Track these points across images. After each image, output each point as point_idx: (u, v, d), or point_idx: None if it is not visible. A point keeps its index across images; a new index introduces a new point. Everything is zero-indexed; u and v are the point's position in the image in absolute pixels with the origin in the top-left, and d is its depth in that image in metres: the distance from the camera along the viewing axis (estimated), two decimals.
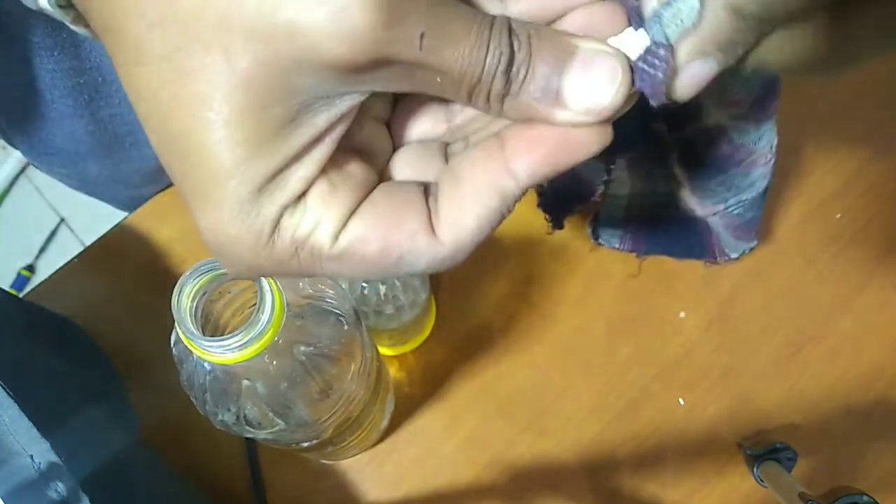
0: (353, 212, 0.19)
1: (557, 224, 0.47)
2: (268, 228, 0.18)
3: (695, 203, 0.46)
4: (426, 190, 0.20)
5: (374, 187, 0.20)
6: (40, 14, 0.37)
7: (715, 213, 0.46)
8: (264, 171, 0.17)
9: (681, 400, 0.48)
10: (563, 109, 0.18)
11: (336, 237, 0.18)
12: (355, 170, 0.19)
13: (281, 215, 0.18)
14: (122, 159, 0.50)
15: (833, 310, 0.51)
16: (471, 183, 0.19)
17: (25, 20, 0.37)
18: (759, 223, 0.47)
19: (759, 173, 0.43)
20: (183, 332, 0.23)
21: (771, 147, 0.42)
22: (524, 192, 0.19)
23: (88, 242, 0.53)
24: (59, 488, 0.32)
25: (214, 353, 0.23)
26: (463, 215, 0.19)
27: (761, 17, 0.17)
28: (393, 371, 0.49)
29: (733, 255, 0.48)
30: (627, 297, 0.51)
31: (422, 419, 0.48)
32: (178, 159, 0.18)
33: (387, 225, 0.19)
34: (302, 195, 0.18)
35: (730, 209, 0.45)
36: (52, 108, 0.44)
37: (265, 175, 0.17)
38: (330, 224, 0.18)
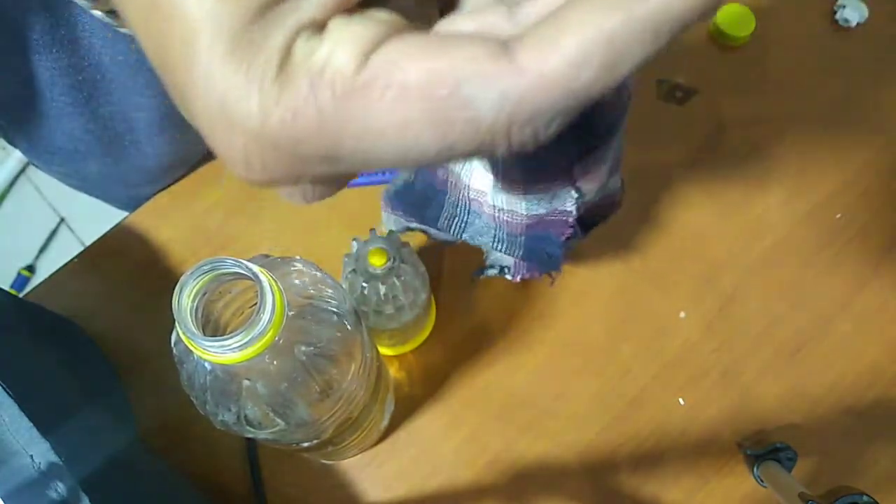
0: (385, 37, 0.14)
1: (550, 270, 0.41)
2: (276, 57, 0.13)
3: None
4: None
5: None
6: (39, 11, 0.37)
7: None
8: None
9: (681, 400, 0.48)
10: None
11: (364, 59, 0.13)
12: (395, 19, 0.14)
13: (294, 41, 0.14)
14: (122, 158, 0.50)
15: (833, 310, 0.51)
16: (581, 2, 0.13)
17: (24, 18, 0.37)
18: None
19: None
20: (183, 332, 0.23)
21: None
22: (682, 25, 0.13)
23: (88, 242, 0.53)
24: (59, 488, 0.32)
25: (215, 353, 0.23)
26: (560, 34, 0.13)
27: None
28: (393, 371, 0.49)
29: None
30: (627, 296, 0.51)
31: (422, 419, 0.48)
32: (157, 22, 0.14)
33: (433, 47, 0.13)
34: (320, 23, 0.14)
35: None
36: (51, 106, 0.44)
37: None
38: (354, 45, 0.13)
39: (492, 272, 0.41)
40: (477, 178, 0.36)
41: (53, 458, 0.33)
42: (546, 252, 0.39)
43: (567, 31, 0.13)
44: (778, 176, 0.54)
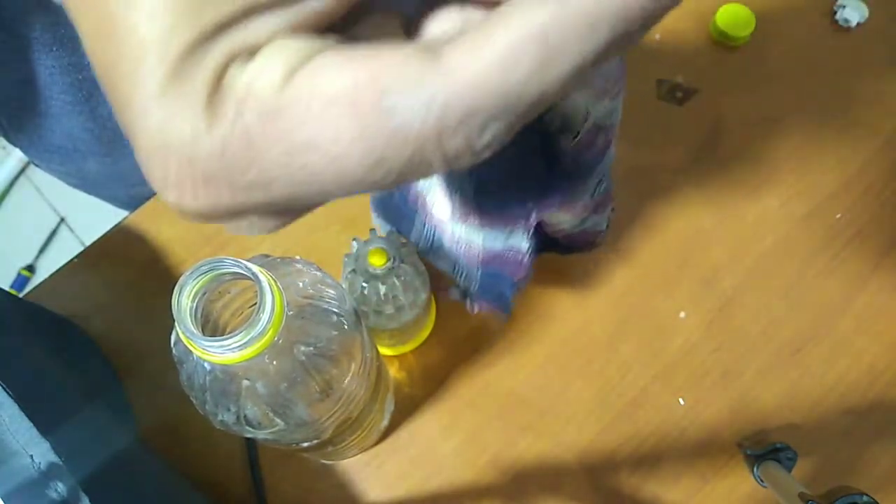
0: (311, 57, 0.13)
1: (507, 307, 0.42)
2: (207, 84, 0.13)
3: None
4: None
5: None
6: (39, 10, 0.37)
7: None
8: (215, 15, 0.13)
9: (681, 400, 0.48)
10: None
11: (286, 79, 0.13)
12: (336, 42, 0.14)
13: (226, 66, 0.13)
14: (121, 156, 0.50)
15: (833, 310, 0.51)
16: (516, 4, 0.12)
17: (24, 17, 0.37)
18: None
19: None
20: (183, 332, 0.23)
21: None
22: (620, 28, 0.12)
23: (88, 242, 0.53)
24: (59, 488, 0.32)
25: (214, 353, 0.23)
26: (491, 33, 0.12)
27: None
28: (393, 371, 0.49)
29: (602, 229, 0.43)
30: (627, 297, 0.51)
31: (422, 419, 0.48)
32: (105, 41, 0.14)
33: (362, 57, 0.13)
34: (255, 49, 0.13)
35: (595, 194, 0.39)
36: (51, 105, 0.44)
37: (216, 20, 0.13)
38: (280, 64, 0.13)
39: (455, 294, 0.41)
40: (438, 207, 0.36)
41: (53, 458, 0.33)
42: (499, 290, 0.39)
43: (497, 29, 0.12)
44: (778, 176, 0.54)
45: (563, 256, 0.45)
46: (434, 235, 0.38)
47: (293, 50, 0.13)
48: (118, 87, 0.14)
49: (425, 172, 0.14)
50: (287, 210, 0.16)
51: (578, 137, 0.30)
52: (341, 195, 0.14)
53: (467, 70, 0.12)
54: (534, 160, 0.31)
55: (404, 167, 0.13)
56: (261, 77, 0.13)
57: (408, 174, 0.14)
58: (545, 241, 0.41)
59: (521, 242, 0.35)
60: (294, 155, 0.13)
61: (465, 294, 0.41)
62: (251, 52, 0.13)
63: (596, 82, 0.28)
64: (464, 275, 0.38)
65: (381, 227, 0.41)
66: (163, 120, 0.13)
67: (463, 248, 0.37)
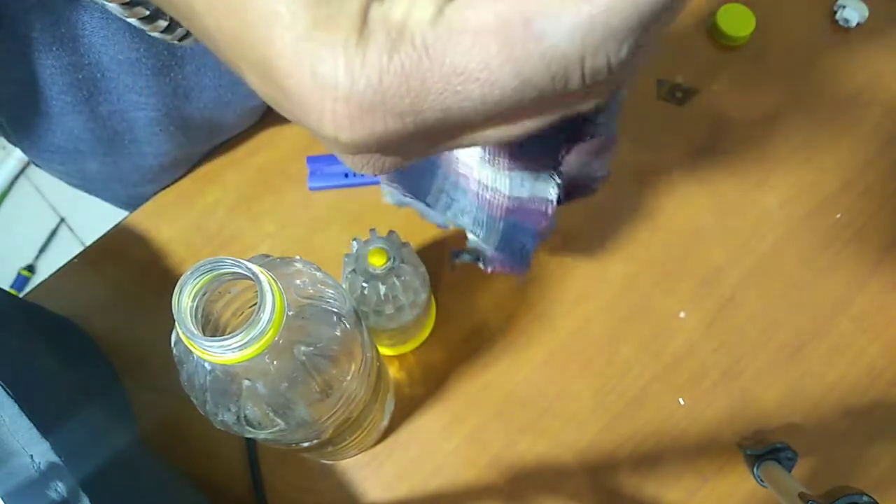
0: None
1: (523, 267, 0.41)
2: (355, 23, 0.14)
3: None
4: None
5: None
6: (39, 9, 0.37)
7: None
8: None
9: (681, 400, 0.48)
10: None
11: (439, 11, 0.14)
12: None
13: (368, 4, 0.14)
14: (122, 157, 0.50)
15: (833, 310, 0.51)
16: None
17: (24, 16, 0.37)
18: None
19: None
20: (183, 332, 0.23)
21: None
22: None
23: (88, 242, 0.53)
24: (59, 488, 0.32)
25: (214, 353, 0.23)
26: None
27: None
28: (393, 371, 0.49)
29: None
30: (627, 297, 0.51)
31: (422, 419, 0.48)
32: (228, 12, 0.15)
33: None
34: None
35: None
36: (51, 105, 0.44)
37: None
38: (429, 1, 0.14)
39: (467, 258, 0.41)
40: (466, 150, 0.36)
41: (53, 458, 0.33)
42: (521, 242, 0.39)
43: None
44: (778, 176, 0.54)
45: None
46: (456, 187, 0.38)
47: None
48: (253, 49, 0.15)
49: (563, 93, 0.15)
50: (431, 139, 0.17)
51: None
52: (485, 120, 0.15)
53: None
54: None
55: (547, 87, 0.15)
56: (413, 13, 0.14)
57: (548, 95, 0.15)
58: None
59: (548, 189, 0.35)
60: (448, 82, 0.15)
61: (478, 256, 0.41)
62: None
63: None
64: (484, 231, 0.38)
65: (392, 196, 0.40)
66: (313, 62, 0.14)
67: (488, 196, 0.37)
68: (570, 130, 0.33)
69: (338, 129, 0.16)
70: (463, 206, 0.39)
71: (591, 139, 0.36)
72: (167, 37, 0.31)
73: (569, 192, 0.43)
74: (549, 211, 0.36)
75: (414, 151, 0.18)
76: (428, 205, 0.38)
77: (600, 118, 0.35)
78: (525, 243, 0.39)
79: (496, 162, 0.35)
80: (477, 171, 0.36)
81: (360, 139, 0.16)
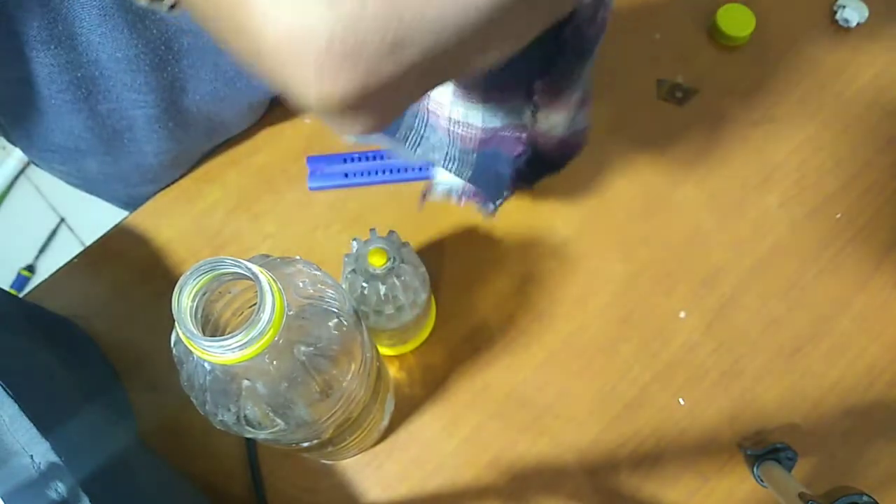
0: None
1: (498, 197, 0.42)
2: None
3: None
4: None
5: None
6: (36, 7, 0.37)
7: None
8: None
9: (681, 400, 0.48)
10: None
11: None
12: None
13: None
14: (121, 155, 0.50)
15: (833, 310, 0.51)
16: None
17: (21, 14, 0.37)
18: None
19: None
20: (183, 332, 0.23)
21: None
22: None
23: (88, 242, 0.53)
24: (59, 488, 0.32)
25: (214, 353, 0.23)
26: None
27: None
28: (393, 371, 0.49)
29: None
30: (627, 297, 0.51)
31: (422, 419, 0.48)
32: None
33: None
34: None
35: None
36: (50, 104, 0.44)
37: None
38: None
39: (439, 191, 0.41)
40: (438, 90, 0.35)
41: (53, 458, 0.33)
42: (496, 171, 0.39)
43: None
44: (778, 176, 0.54)
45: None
46: (426, 125, 0.38)
47: None
48: (234, 13, 0.15)
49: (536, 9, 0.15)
50: (415, 81, 0.17)
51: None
52: (464, 44, 0.15)
53: None
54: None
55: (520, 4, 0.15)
56: None
57: (522, 12, 0.15)
58: (540, 162, 0.41)
59: (521, 116, 0.35)
60: (424, 14, 0.14)
61: (449, 190, 0.40)
62: None
63: None
64: (456, 164, 0.38)
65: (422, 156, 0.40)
66: (291, 18, 0.14)
67: (460, 131, 0.36)
68: (541, 62, 0.33)
69: (321, 85, 0.16)
70: (433, 142, 0.39)
71: (570, 93, 0.37)
72: (156, 5, 0.30)
73: (564, 155, 0.43)
74: (523, 137, 0.36)
75: (400, 99, 0.18)
76: (396, 140, 0.38)
77: (584, 67, 0.35)
78: (501, 171, 0.39)
79: (469, 97, 0.34)
80: (448, 109, 0.36)
81: (347, 91, 0.16)
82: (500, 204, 0.42)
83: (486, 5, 0.15)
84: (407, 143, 0.39)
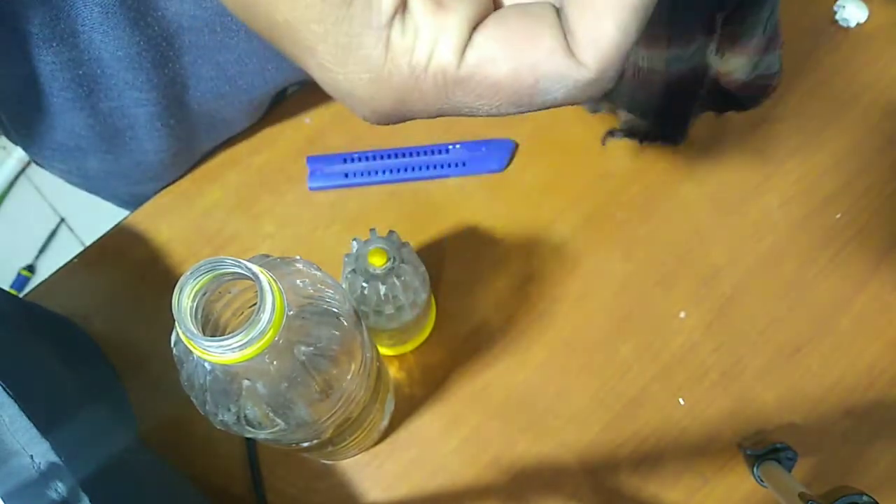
0: (475, 26, 0.17)
1: (677, 137, 0.44)
2: (379, 54, 0.16)
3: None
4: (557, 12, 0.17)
5: (491, 6, 0.17)
6: (38, 4, 0.37)
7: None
8: None
9: (681, 400, 0.48)
10: None
11: (462, 54, 0.16)
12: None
13: (388, 34, 0.16)
14: (122, 154, 0.50)
15: (833, 310, 0.51)
16: None
17: (23, 11, 0.37)
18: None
19: None
20: (183, 332, 0.23)
21: None
22: None
23: (88, 242, 0.53)
24: (59, 488, 0.32)
25: (214, 353, 0.23)
26: (601, 25, 0.16)
27: None
28: (393, 371, 0.49)
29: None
30: (627, 297, 0.51)
31: (422, 419, 0.48)
32: (267, 23, 0.17)
33: (520, 42, 0.16)
34: (403, 7, 0.16)
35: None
36: (51, 102, 0.44)
37: None
38: (451, 39, 0.16)
39: (620, 135, 0.44)
40: None
41: (53, 458, 0.33)
42: (681, 111, 0.41)
43: (606, 23, 0.16)
44: (778, 176, 0.55)
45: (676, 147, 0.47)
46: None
47: (456, 25, 0.16)
48: (297, 51, 0.18)
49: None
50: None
51: None
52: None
53: (597, 59, 0.16)
54: None
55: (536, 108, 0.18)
56: (438, 54, 0.17)
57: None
58: (723, 98, 0.43)
59: (707, 58, 0.37)
60: (461, 110, 0.18)
61: (631, 132, 0.43)
62: (396, 10, 0.16)
63: None
64: (641, 107, 0.40)
65: (609, 105, 0.42)
66: (347, 71, 0.17)
67: (644, 76, 0.38)
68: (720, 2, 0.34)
69: (367, 120, 0.19)
70: (620, 90, 0.40)
71: (749, 37, 0.39)
72: None
73: (746, 100, 0.45)
74: (708, 76, 0.38)
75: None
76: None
77: (763, 11, 0.37)
78: (686, 111, 0.41)
79: (654, 42, 0.36)
80: (633, 55, 0.37)
81: (373, 122, 0.19)
82: (684, 139, 0.45)
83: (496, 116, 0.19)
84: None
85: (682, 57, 0.36)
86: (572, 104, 0.18)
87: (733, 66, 0.40)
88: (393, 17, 0.16)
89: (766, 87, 0.44)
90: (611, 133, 0.43)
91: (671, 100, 0.39)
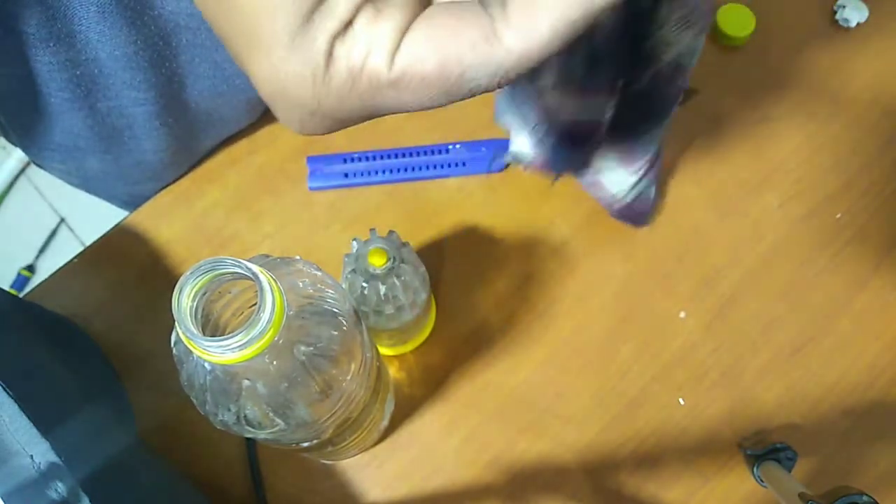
0: (405, 32, 0.18)
1: (561, 170, 0.48)
2: (322, 60, 0.18)
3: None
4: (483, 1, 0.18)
5: (425, 7, 0.19)
6: (35, 4, 0.37)
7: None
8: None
9: (681, 400, 0.48)
10: None
11: (392, 59, 0.18)
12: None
13: (333, 44, 0.18)
14: (121, 153, 0.50)
15: (833, 310, 0.51)
16: None
17: (19, 11, 0.37)
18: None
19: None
20: (183, 332, 0.23)
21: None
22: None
23: (88, 242, 0.53)
24: (59, 488, 0.32)
25: (214, 353, 0.23)
26: (536, 23, 0.17)
27: None
28: (393, 371, 0.49)
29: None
30: (627, 297, 0.51)
31: (422, 419, 0.48)
32: (227, 14, 0.19)
33: (442, 38, 0.18)
34: (349, 22, 0.18)
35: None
36: (49, 102, 0.44)
37: (311, 1, 0.18)
38: (383, 47, 0.18)
39: (510, 158, 0.48)
40: (546, 86, 0.41)
41: (53, 458, 0.33)
42: (567, 153, 0.45)
43: (542, 21, 0.17)
44: (778, 176, 0.54)
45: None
46: (526, 105, 0.44)
47: (388, 32, 0.18)
48: (238, 44, 0.19)
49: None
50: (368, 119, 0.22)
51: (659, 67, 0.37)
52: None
53: (522, 48, 0.18)
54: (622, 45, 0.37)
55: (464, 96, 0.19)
56: (371, 59, 0.18)
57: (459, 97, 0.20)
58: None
59: (603, 112, 0.40)
60: (396, 107, 0.19)
61: (519, 157, 0.47)
62: (347, 25, 0.18)
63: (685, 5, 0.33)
64: (539, 135, 0.44)
65: (514, 123, 0.46)
66: (287, 80, 0.19)
67: (551, 110, 0.42)
68: (626, 75, 0.38)
69: (302, 130, 0.21)
70: (526, 114, 0.44)
71: (642, 142, 0.45)
72: None
73: (624, 218, 0.51)
74: (601, 130, 0.42)
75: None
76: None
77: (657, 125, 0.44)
78: (570, 157, 0.45)
79: (566, 88, 0.39)
80: (549, 97, 0.41)
81: (310, 133, 0.21)
82: (562, 175, 0.49)
83: (423, 108, 0.20)
84: (510, 110, 0.45)
85: (585, 110, 0.40)
86: (497, 88, 0.19)
87: (616, 179, 0.47)
88: (346, 26, 0.18)
89: (643, 213, 0.51)
90: (500, 154, 0.52)
91: (565, 140, 0.44)
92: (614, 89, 0.39)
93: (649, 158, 0.46)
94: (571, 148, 0.44)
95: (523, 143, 0.46)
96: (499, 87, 0.19)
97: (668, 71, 0.37)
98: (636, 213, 0.50)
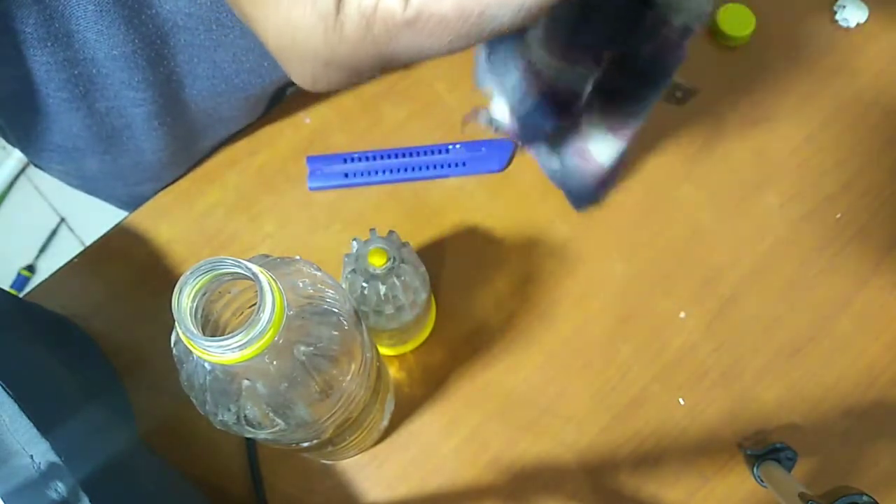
0: None
1: (530, 140, 0.48)
2: (332, 3, 0.17)
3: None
4: None
5: None
6: (32, 4, 0.37)
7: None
8: None
9: (681, 400, 0.48)
10: None
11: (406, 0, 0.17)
12: None
13: None
14: (120, 153, 0.50)
15: (833, 310, 0.51)
16: None
17: (17, 12, 0.37)
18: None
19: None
20: (183, 332, 0.23)
21: None
22: None
23: (88, 242, 0.53)
24: (59, 488, 0.32)
25: (214, 353, 0.23)
26: None
27: None
28: (393, 371, 0.49)
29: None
30: (627, 297, 0.51)
31: (422, 419, 0.48)
32: None
33: None
34: None
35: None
36: (48, 103, 0.44)
37: None
38: None
39: (483, 118, 0.46)
40: (534, 39, 0.39)
41: (53, 458, 0.33)
42: (540, 122, 0.44)
43: None
44: (778, 176, 0.55)
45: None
46: (512, 60, 0.43)
47: None
48: (251, 6, 0.18)
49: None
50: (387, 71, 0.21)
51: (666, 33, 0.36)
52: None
53: None
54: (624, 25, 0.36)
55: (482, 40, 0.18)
56: (382, 3, 0.17)
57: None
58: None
59: (584, 85, 0.40)
60: (414, 53, 0.18)
61: (491, 121, 0.46)
62: None
63: None
64: (517, 99, 0.43)
65: (493, 87, 0.44)
66: (296, 30, 0.18)
67: (532, 75, 0.41)
68: (620, 44, 0.37)
69: (315, 85, 0.20)
70: (507, 73, 0.43)
71: (636, 115, 0.44)
72: None
73: (607, 183, 0.49)
74: (577, 104, 0.41)
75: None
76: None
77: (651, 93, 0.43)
78: (542, 125, 0.44)
79: (550, 48, 0.39)
80: (531, 51, 0.40)
81: (324, 87, 0.20)
82: (530, 147, 0.49)
83: (444, 53, 0.19)
84: (492, 69, 0.44)
85: (565, 74, 0.40)
86: (519, 28, 0.18)
87: (604, 148, 0.46)
88: None
89: (615, 176, 0.49)
90: (475, 115, 0.48)
91: (540, 107, 0.43)
92: (599, 59, 0.38)
93: (639, 126, 0.45)
94: (544, 117, 0.43)
95: (502, 109, 0.45)
96: (521, 27, 0.18)
97: (675, 36, 0.37)
98: (611, 177, 0.49)
